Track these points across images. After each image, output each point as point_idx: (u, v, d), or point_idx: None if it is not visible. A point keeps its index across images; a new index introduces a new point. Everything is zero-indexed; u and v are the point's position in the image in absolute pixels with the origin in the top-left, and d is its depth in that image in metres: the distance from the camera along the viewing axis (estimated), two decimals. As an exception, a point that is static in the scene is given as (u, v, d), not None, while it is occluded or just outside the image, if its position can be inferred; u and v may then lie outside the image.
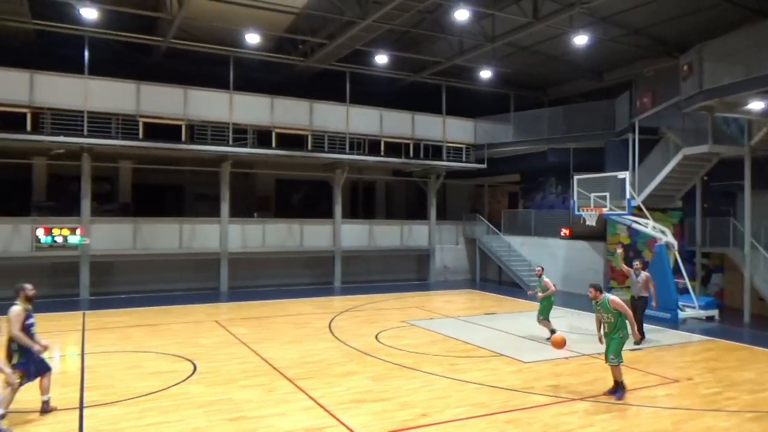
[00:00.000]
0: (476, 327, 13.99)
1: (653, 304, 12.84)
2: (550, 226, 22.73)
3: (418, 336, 12.77)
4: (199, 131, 19.22)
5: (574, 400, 8.28)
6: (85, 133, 17.45)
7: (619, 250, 14.16)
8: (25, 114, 16.90)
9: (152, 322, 13.87)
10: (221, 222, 20.07)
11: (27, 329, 7.32)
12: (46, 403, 7.56)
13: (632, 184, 16.26)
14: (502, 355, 10.97)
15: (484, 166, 24.05)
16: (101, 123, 17.75)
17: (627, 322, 8.56)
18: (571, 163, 22.47)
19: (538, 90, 25.45)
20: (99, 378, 9.15)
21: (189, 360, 10.33)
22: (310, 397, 8.24)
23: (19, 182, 19.92)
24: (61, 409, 7.63)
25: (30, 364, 7.28)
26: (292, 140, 20.72)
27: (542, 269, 13.06)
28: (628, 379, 8.79)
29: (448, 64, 20.95)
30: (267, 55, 20.24)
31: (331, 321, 14.48)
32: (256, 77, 21.20)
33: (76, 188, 18.30)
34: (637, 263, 12.92)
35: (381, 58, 20.28)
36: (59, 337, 12.47)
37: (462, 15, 16.28)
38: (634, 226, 16.65)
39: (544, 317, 12.41)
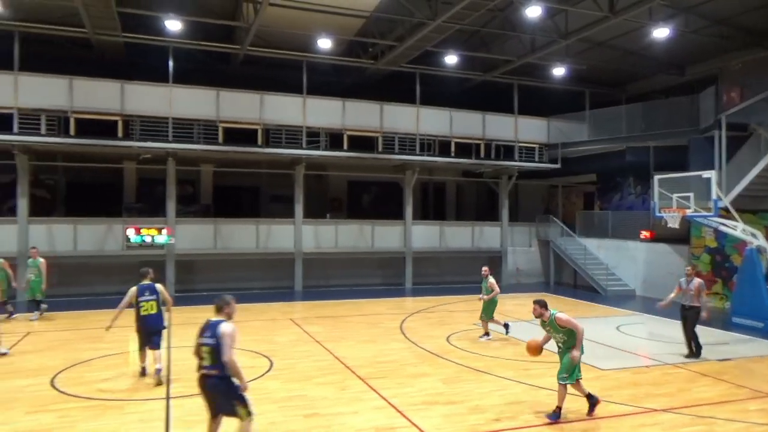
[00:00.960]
0: (550, 331, 13.64)
1: (704, 315, 11.01)
2: (629, 228, 21.82)
3: (491, 339, 12.62)
4: (274, 135, 19.87)
5: (655, 411, 7.93)
6: (170, 138, 18.44)
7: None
8: (116, 122, 18.08)
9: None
10: (295, 223, 20.64)
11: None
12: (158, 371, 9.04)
13: (719, 184, 15.33)
14: (577, 361, 10.65)
15: (558, 166, 23.42)
16: (184, 129, 18.73)
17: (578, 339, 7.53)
18: (651, 162, 21.49)
19: (615, 86, 24.50)
20: (184, 371, 9.60)
21: (266, 356, 10.71)
22: (382, 397, 8.35)
23: (112, 185, 21.33)
24: (150, 399, 8.12)
25: None
26: (363, 142, 21.02)
27: (489, 270, 13.02)
28: (715, 391, 8.32)
29: (519, 63, 20.58)
30: (338, 59, 20.64)
31: (403, 322, 14.57)
32: (328, 81, 21.67)
33: (162, 191, 19.39)
34: (689, 268, 11.80)
35: (451, 59, 20.20)
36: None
37: (534, 12, 15.95)
38: (722, 228, 15.69)
39: (488, 318, 12.45)
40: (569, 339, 7.61)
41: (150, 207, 20.37)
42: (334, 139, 20.68)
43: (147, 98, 18.46)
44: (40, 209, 19.18)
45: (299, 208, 20.71)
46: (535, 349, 7.95)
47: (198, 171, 22.17)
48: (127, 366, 10.19)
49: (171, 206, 19.14)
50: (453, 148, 22.38)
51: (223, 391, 5.80)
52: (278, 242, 20.43)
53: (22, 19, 17.06)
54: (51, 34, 17.96)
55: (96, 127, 17.89)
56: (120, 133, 18.08)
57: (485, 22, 18.54)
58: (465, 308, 17.13)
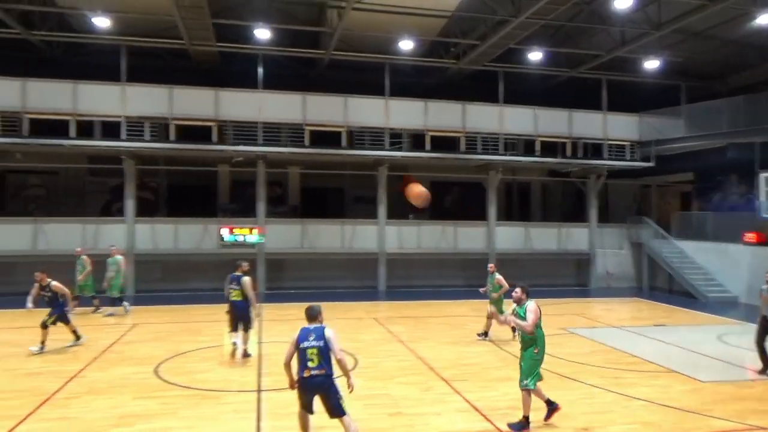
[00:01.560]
0: (644, 339, 13.01)
1: None
2: (731, 231, 20.30)
3: (579, 345, 12.23)
4: (358, 137, 20.27)
5: (763, 429, 7.37)
6: (260, 141, 19.28)
7: None
8: (211, 127, 19.14)
9: (318, 317, 14.87)
10: (378, 223, 20.93)
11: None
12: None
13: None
14: (674, 371, 10.09)
15: (651, 164, 22.25)
16: (273, 132, 19.53)
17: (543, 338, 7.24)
18: (756, 159, 19.93)
19: (714, 79, 22.94)
20: (274, 365, 10.03)
21: (350, 354, 10.94)
22: (466, 400, 8.31)
23: (207, 187, 22.59)
24: (244, 391, 8.55)
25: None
26: (445, 142, 20.97)
27: (495, 266, 12.77)
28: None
29: (608, 57, 19.76)
30: (420, 60, 20.73)
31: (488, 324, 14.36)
32: (410, 82, 21.79)
33: (254, 192, 20.30)
34: None
35: (535, 55, 19.73)
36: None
37: (623, 3, 15.28)
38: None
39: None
40: (530, 337, 7.23)
41: (242, 207, 21.38)
42: (417, 140, 20.78)
43: (239, 104, 19.40)
44: (145, 210, 20.64)
45: (382, 209, 20.98)
46: (419, 196, 7.62)
47: (286, 173, 22.99)
48: (222, 359, 10.78)
49: (261, 207, 19.99)
50: (538, 147, 21.83)
51: (328, 388, 6.22)
52: (362, 242, 20.80)
53: (128, 34, 18.45)
54: (153, 46, 19.31)
55: (193, 132, 19.04)
56: (215, 138, 19.12)
57: (571, 16, 17.96)
58: (551, 311, 16.63)
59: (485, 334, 12.58)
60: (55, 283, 11.07)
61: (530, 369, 7.14)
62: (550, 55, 20.24)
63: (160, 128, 18.82)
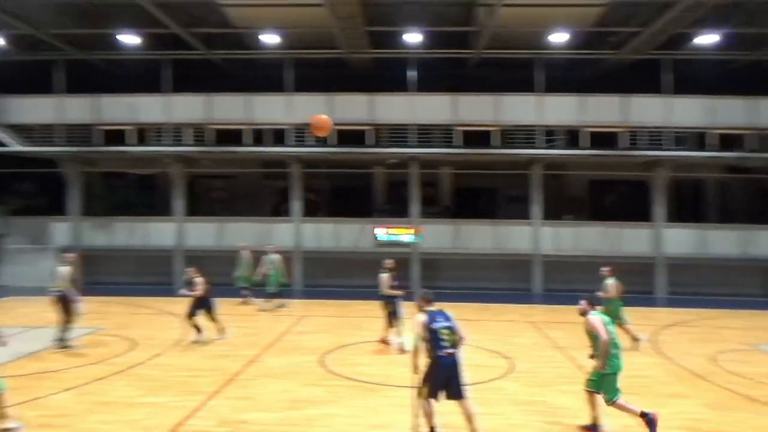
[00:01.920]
0: None
1: None
2: None
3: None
4: (510, 135, 19.90)
5: None
6: (413, 143, 19.78)
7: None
8: (364, 131, 20.05)
9: (471, 317, 14.85)
10: (532, 224, 20.35)
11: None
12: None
13: None
14: None
15: None
16: (425, 134, 19.92)
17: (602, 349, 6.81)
18: None
19: None
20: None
21: (506, 357, 10.82)
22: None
23: (363, 188, 23.66)
24: (402, 387, 8.85)
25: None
26: (603, 139, 19.77)
27: (612, 270, 11.90)
28: None
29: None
30: (576, 53, 19.75)
31: (656, 335, 13.34)
32: (563, 77, 20.81)
33: (407, 193, 20.87)
34: None
35: (707, 39, 17.77)
36: (406, 324, 14.44)
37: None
38: None
39: (623, 321, 11.47)
40: (595, 347, 7.05)
41: (397, 208, 22.07)
42: (572, 137, 19.85)
43: (392, 107, 20.08)
44: (310, 210, 22.19)
45: (536, 209, 20.36)
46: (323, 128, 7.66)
47: (438, 173, 23.29)
48: (383, 354, 11.27)
49: (415, 207, 20.48)
50: (713, 141, 19.66)
51: (458, 368, 6.48)
52: (515, 243, 20.36)
53: (292, 48, 19.96)
54: (313, 57, 20.69)
55: (351, 136, 20.09)
56: (370, 141, 19.98)
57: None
58: (737, 325, 14.93)
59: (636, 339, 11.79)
60: (199, 279, 11.91)
61: (603, 384, 6.98)
62: (726, 37, 18.10)
63: (322, 134, 20.11)
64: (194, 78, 21.49)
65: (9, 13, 17.14)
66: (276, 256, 16.38)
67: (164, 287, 19.67)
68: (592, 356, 7.25)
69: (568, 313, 16.08)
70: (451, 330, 6.52)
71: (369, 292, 18.98)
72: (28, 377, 9.27)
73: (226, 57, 21.17)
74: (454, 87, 20.40)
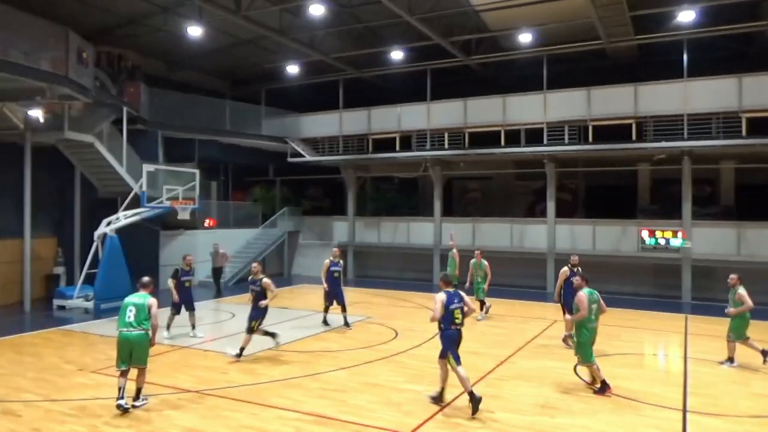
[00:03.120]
0: None
1: None
2: None
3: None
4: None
5: None
6: (685, 136, 17.60)
7: None
8: (630, 125, 18.50)
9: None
10: None
11: None
12: None
13: None
14: None
15: None
16: (700, 125, 17.53)
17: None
18: None
19: None
20: (701, 385, 9.15)
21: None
22: None
23: (626, 187, 21.94)
24: (666, 408, 8.03)
25: None
26: None
27: (738, 278, 10.12)
28: None
29: None
30: None
31: None
32: None
33: (677, 192, 18.69)
34: None
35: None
36: (661, 336, 13.14)
37: None
38: None
39: (736, 338, 10.03)
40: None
41: (664, 208, 19.96)
42: None
43: (660, 97, 18.18)
44: (564, 211, 21.48)
45: None
46: None
47: (717, 169, 20.34)
48: (643, 368, 10.39)
49: (686, 208, 18.22)
50: None
51: (460, 339, 8.13)
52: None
53: (548, 44, 19.55)
54: (570, 51, 19.90)
55: (611, 132, 18.80)
56: (633, 136, 18.41)
57: None
58: None
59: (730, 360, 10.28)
60: (266, 280, 10.62)
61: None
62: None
63: (578, 131, 19.26)
64: (452, 84, 22.62)
65: (306, 44, 20.37)
66: (484, 262, 15.01)
67: (424, 283, 21.15)
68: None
69: None
70: (461, 310, 8.07)
71: (627, 300, 17.67)
72: (313, 354, 10.95)
73: (483, 61, 21.75)
74: (742, 67, 17.55)
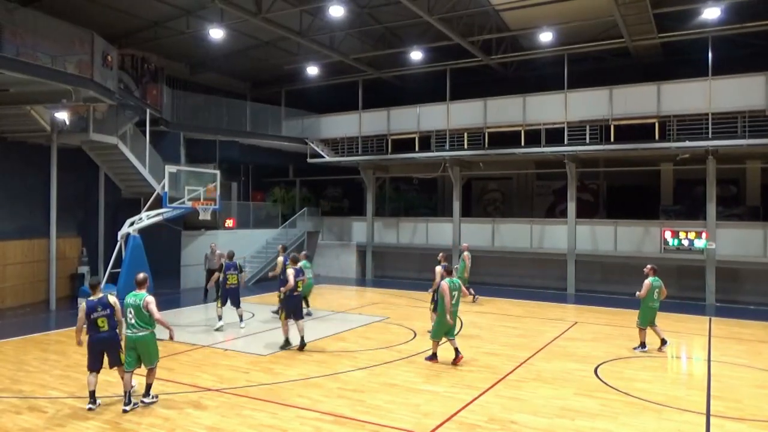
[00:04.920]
0: None
1: None
2: None
3: None
4: None
5: None
6: (710, 135, 17.29)
7: None
8: (653, 124, 18.24)
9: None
10: None
11: None
12: None
13: None
14: None
15: None
16: (726, 123, 17.20)
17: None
18: None
19: None
20: (725, 389, 8.99)
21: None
22: None
23: (648, 188, 21.64)
24: (689, 411, 7.91)
25: None
26: None
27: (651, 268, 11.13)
28: None
29: None
30: None
31: None
32: None
33: (701, 192, 18.39)
34: None
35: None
36: (684, 339, 12.94)
37: None
38: None
39: None
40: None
41: (687, 209, 19.65)
42: None
43: (683, 96, 17.85)
44: (585, 211, 21.25)
45: None
46: None
47: (743, 169, 19.95)
48: (664, 371, 10.25)
49: (711, 208, 17.89)
50: None
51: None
52: None
53: (569, 43, 19.35)
54: (592, 50, 19.68)
55: (633, 131, 18.54)
56: (656, 135, 18.15)
57: None
58: None
59: None
60: (290, 271, 11.07)
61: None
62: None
63: (600, 130, 19.05)
64: (471, 84, 22.53)
65: (325, 45, 20.48)
66: (464, 254, 16.70)
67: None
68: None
69: None
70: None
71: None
72: (331, 354, 11.01)
73: (503, 61, 21.62)
74: (762, 65, 17.15)
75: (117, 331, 7.90)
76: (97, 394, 7.87)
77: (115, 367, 7.94)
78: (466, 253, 16.94)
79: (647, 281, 11.54)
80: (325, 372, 9.71)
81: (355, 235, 24.47)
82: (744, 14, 16.79)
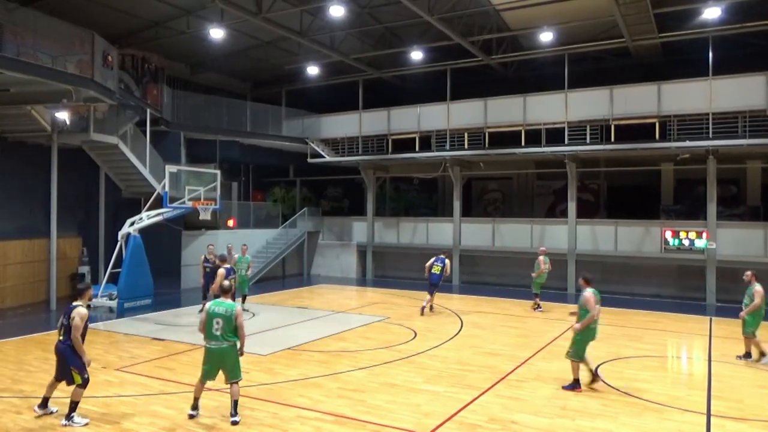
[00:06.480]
0: None
1: None
2: None
3: None
4: None
5: None
6: (710, 135, 17.28)
7: None
8: (653, 124, 18.23)
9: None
10: None
11: None
12: None
13: None
14: None
15: None
16: (726, 123, 17.19)
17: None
18: None
19: None
20: (726, 389, 8.99)
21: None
22: None
23: (649, 188, 21.63)
24: (690, 411, 7.91)
25: None
26: None
27: (753, 274, 10.37)
28: None
29: None
30: None
31: None
32: None
33: (701, 192, 18.38)
34: None
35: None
36: (685, 339, 12.93)
37: None
38: None
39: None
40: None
41: (688, 209, 19.65)
42: None
43: (683, 96, 17.86)
44: (585, 211, 21.24)
45: None
46: None
47: (743, 169, 19.95)
48: (665, 371, 10.24)
49: (711, 208, 17.89)
50: None
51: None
52: None
53: (569, 43, 19.35)
54: (592, 50, 19.68)
55: (633, 131, 18.54)
56: (657, 135, 18.14)
57: None
58: None
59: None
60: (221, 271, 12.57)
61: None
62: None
63: (600, 130, 19.04)
64: (472, 84, 22.52)
65: (326, 45, 20.48)
66: (540, 257, 16.41)
67: (443, 284, 21.00)
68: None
69: None
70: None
71: (650, 302, 17.43)
72: (332, 354, 11.00)
73: (503, 60, 21.61)
74: (763, 65, 17.15)
75: (69, 344, 7.42)
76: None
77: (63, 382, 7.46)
78: (542, 257, 16.36)
79: (759, 288, 10.41)
80: (325, 372, 9.70)
81: (356, 235, 24.47)
82: (744, 14, 16.79)
